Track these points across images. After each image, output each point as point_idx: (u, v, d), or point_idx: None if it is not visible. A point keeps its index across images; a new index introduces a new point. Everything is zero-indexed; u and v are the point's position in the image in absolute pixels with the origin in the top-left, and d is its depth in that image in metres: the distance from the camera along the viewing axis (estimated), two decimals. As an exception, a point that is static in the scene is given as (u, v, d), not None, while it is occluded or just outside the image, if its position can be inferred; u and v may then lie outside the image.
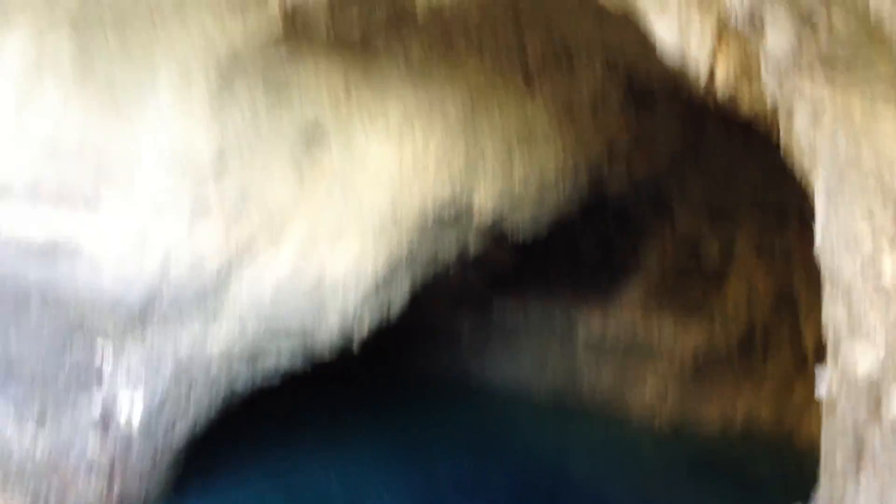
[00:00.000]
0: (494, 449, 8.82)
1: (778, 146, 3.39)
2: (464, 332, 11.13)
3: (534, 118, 7.38)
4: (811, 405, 6.87)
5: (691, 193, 9.41)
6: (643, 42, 4.39)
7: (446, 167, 7.19)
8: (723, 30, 3.62)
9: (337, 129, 6.99)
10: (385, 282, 7.35)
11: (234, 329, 6.89)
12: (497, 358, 10.97)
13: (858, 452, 2.65)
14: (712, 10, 3.67)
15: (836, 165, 2.64)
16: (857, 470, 2.66)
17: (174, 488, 7.09)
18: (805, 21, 2.49)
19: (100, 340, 6.64)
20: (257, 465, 7.84)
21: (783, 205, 8.57)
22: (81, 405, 6.64)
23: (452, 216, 7.46)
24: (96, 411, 6.65)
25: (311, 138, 6.96)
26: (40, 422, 6.68)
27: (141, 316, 6.61)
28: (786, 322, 9.30)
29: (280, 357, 7.25)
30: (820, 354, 3.08)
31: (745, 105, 3.98)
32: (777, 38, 2.68)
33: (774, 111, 3.14)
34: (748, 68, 3.47)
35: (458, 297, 10.89)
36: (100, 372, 6.65)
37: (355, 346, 7.64)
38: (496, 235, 8.07)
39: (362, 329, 7.44)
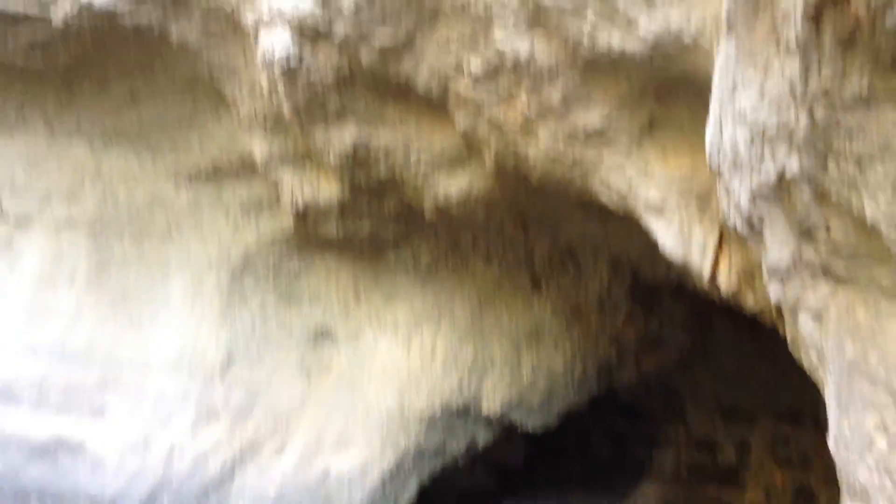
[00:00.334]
0: None
1: (786, 343, 3.38)
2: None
3: (541, 318, 7.45)
4: None
5: (703, 392, 9.31)
6: (646, 240, 4.48)
7: (454, 366, 7.20)
8: (723, 234, 3.69)
9: (345, 331, 7.07)
10: (391, 477, 7.20)
11: (238, 525, 6.73)
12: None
13: None
14: (712, 216, 3.77)
15: (844, 369, 2.61)
16: None
17: None
18: (804, 233, 2.54)
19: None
20: None
21: (797, 404, 8.46)
22: None
23: (460, 411, 7.39)
24: None
25: (320, 340, 7.03)
26: None
27: (143, 513, 6.47)
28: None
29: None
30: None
31: (750, 303, 4.00)
32: (777, 250, 2.72)
33: (779, 311, 3.15)
34: (750, 272, 3.52)
35: (468, 498, 10.57)
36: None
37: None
38: (505, 427, 7.98)
39: (369, 525, 7.24)
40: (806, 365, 3.15)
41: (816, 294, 2.67)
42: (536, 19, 3.99)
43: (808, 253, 2.57)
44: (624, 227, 4.98)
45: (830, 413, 2.84)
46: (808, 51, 2.18)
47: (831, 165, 2.32)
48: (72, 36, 6.00)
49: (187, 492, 6.60)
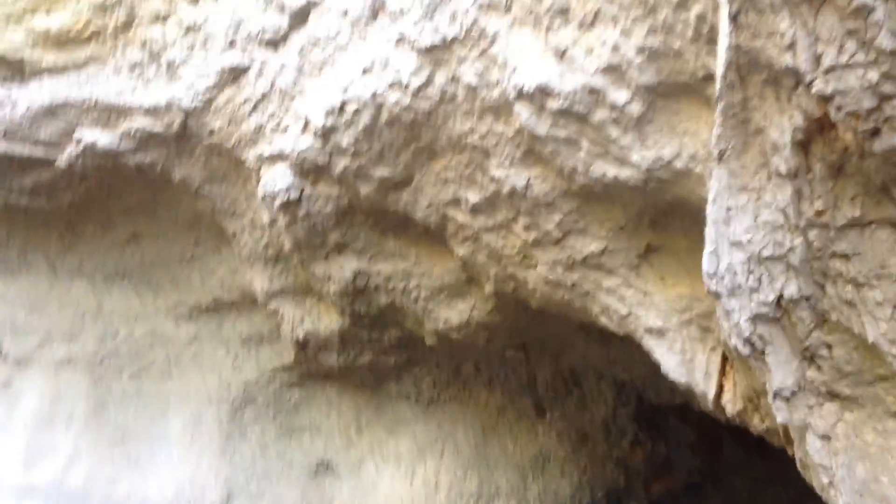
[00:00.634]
0: None
1: (795, 463, 3.33)
2: None
3: (546, 444, 7.36)
4: None
5: (715, 516, 9.09)
6: (650, 363, 4.46)
7: (459, 497, 7.06)
8: (726, 357, 3.68)
9: (347, 463, 6.95)
10: None
11: None
12: None
13: None
14: (714, 339, 3.77)
15: (856, 490, 2.58)
16: None
17: None
18: (807, 354, 2.55)
19: None
20: None
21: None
22: None
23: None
24: None
25: (321, 472, 6.91)
26: None
27: None
28: None
29: None
30: None
31: (757, 424, 3.96)
32: (780, 372, 2.73)
33: (787, 432, 3.12)
34: (755, 393, 3.50)
35: None
36: None
37: None
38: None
39: None
40: (817, 486, 3.10)
41: (823, 415, 2.66)
42: (531, 151, 4.10)
43: (812, 374, 2.58)
44: (626, 349, 4.97)
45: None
46: (798, 178, 2.25)
47: (829, 288, 2.35)
48: (76, 177, 6.11)
49: None
